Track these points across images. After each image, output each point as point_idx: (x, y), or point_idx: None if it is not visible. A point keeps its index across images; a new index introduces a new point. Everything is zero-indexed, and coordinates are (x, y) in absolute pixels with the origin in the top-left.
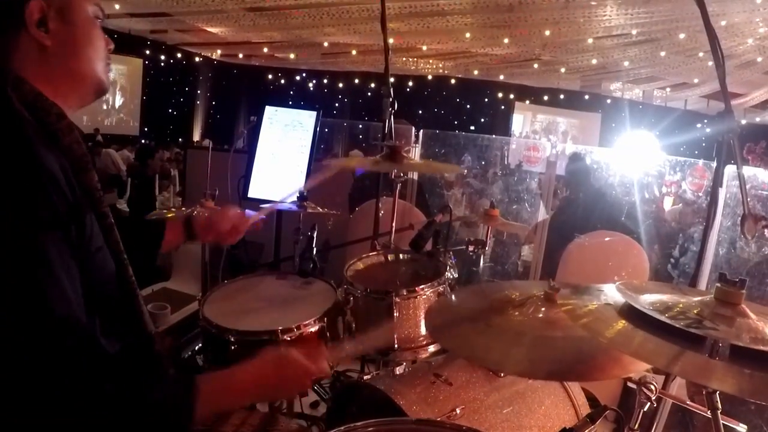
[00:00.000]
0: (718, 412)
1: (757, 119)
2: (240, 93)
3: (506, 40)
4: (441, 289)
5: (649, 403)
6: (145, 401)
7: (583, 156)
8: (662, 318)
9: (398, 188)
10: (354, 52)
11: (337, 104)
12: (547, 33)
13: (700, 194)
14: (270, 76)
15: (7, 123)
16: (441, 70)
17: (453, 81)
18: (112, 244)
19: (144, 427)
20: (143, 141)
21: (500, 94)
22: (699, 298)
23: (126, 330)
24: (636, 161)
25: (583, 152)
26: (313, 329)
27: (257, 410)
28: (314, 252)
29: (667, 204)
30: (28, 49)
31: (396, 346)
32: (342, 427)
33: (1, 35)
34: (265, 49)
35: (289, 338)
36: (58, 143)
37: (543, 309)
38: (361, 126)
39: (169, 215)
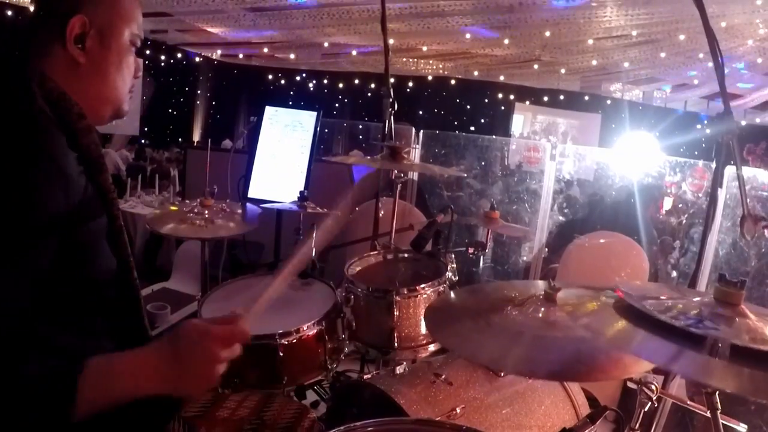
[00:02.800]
0: (718, 412)
1: (757, 120)
2: (240, 93)
3: (506, 41)
4: (441, 288)
5: (649, 403)
6: (17, 373)
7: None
8: (662, 317)
9: (398, 189)
10: (354, 53)
11: (337, 104)
12: (547, 34)
13: (700, 195)
14: (270, 77)
15: (28, 117)
16: (441, 71)
17: (453, 82)
18: (119, 246)
19: (17, 406)
20: (142, 141)
21: (500, 95)
22: (698, 299)
23: (124, 331)
24: (636, 162)
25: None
26: (312, 332)
27: (253, 392)
28: (313, 252)
29: (667, 205)
30: (61, 60)
31: (396, 345)
32: (342, 427)
33: (40, 39)
34: (266, 50)
35: (287, 342)
36: (76, 143)
37: (543, 309)
38: (361, 126)
39: (171, 208)
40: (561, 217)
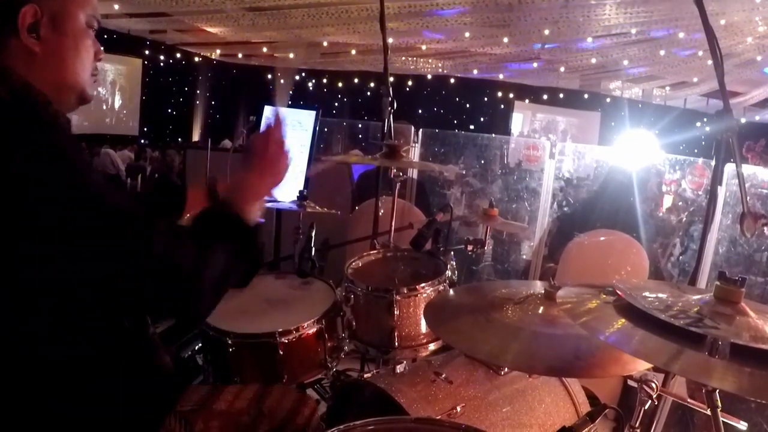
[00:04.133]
0: (718, 410)
1: (757, 118)
2: (239, 93)
3: (506, 39)
4: (441, 288)
5: (649, 401)
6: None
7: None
8: (662, 316)
9: (398, 187)
10: (353, 52)
11: (336, 104)
12: (546, 32)
13: (700, 193)
14: (269, 76)
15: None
16: (440, 70)
17: (452, 80)
18: None
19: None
20: (142, 141)
21: (500, 93)
22: (698, 297)
23: (124, 328)
24: (635, 160)
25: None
26: (311, 330)
27: (250, 384)
28: (313, 252)
29: (667, 202)
30: (18, 52)
31: (396, 344)
32: (341, 426)
33: None
34: (265, 49)
35: (287, 340)
36: (46, 131)
37: (543, 307)
38: (360, 126)
39: None
40: (560, 215)
